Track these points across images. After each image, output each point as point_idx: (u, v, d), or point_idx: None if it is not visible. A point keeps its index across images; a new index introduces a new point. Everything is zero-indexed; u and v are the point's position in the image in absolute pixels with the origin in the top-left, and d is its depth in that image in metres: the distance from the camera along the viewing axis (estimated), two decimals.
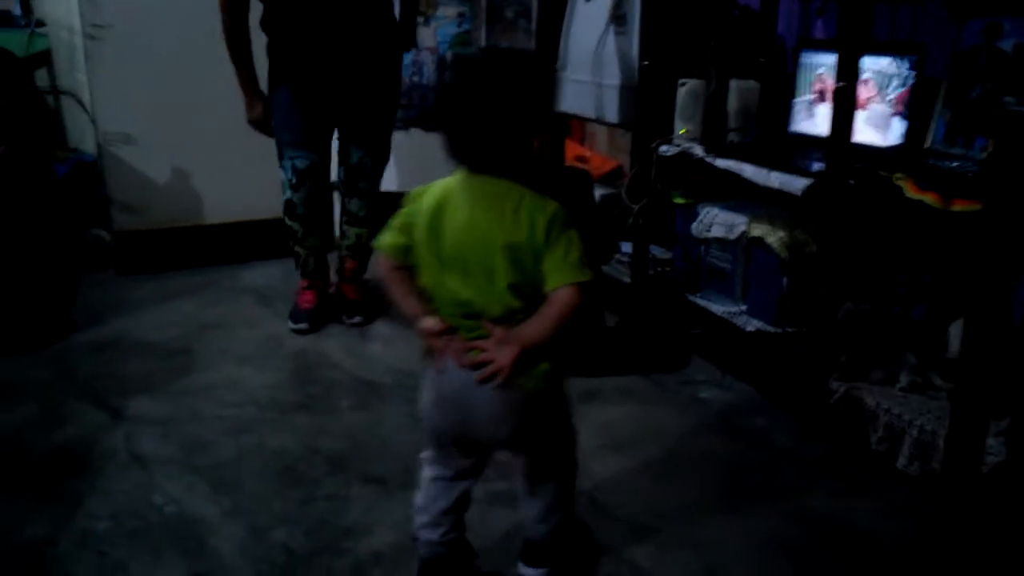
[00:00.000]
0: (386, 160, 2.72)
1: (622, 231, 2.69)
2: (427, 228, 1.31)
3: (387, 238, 1.37)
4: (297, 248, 2.70)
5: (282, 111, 2.55)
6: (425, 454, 1.46)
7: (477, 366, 1.29)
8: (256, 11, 2.50)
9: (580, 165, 3.14)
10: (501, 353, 1.28)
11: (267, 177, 2.93)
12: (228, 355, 2.46)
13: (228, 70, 2.53)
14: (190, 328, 2.64)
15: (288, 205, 2.63)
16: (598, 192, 2.75)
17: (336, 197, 2.89)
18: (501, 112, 1.26)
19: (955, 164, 1.90)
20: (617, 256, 2.85)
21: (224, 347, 2.51)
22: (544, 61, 1.24)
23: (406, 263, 1.36)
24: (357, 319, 2.73)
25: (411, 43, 2.73)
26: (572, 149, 3.21)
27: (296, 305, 2.73)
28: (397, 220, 1.37)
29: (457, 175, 1.33)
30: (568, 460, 1.48)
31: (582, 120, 3.03)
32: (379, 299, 2.86)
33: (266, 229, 3.12)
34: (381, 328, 2.70)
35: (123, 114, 2.97)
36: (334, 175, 2.76)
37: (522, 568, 1.52)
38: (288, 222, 2.66)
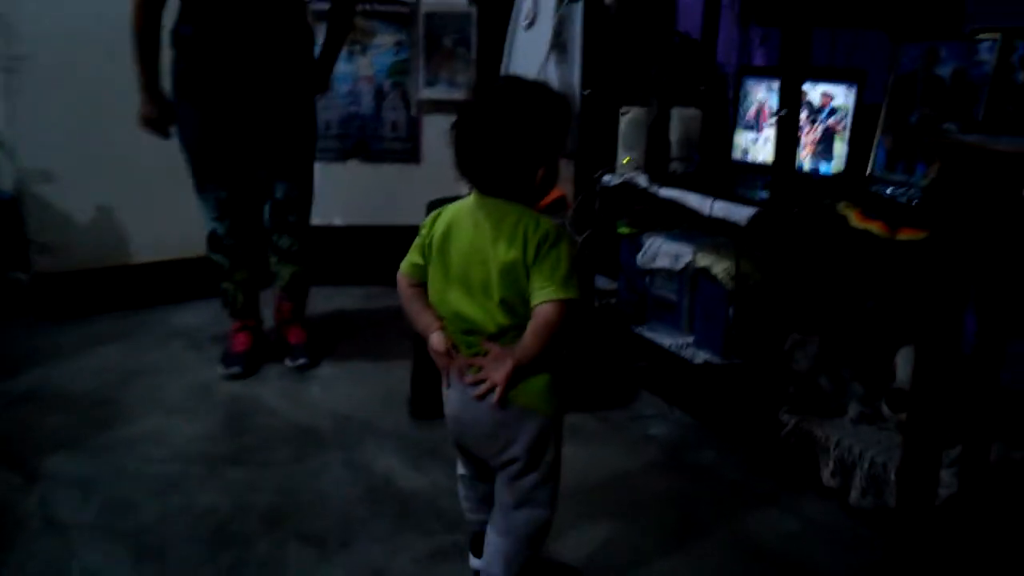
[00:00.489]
0: (311, 193, 2.61)
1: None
2: (438, 247, 1.39)
3: (406, 259, 1.45)
4: (225, 284, 2.58)
5: (192, 137, 2.42)
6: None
7: (476, 383, 1.36)
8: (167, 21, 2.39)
9: None
10: (496, 370, 1.35)
11: (197, 212, 2.82)
12: (155, 405, 2.32)
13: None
14: (114, 376, 2.49)
15: (212, 238, 2.51)
16: None
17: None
18: (511, 138, 1.33)
19: (898, 191, 1.88)
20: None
21: (151, 396, 2.37)
22: (562, 96, 1.32)
23: (422, 281, 1.43)
24: (302, 361, 2.61)
25: (325, 84, 2.63)
26: None
27: (228, 348, 2.60)
28: (416, 241, 1.45)
29: (470, 197, 1.41)
30: (549, 492, 1.44)
31: None
32: (324, 338, 2.77)
33: (198, 267, 2.98)
34: (321, 370, 2.59)
35: (42, 150, 2.82)
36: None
37: None
38: (213, 256, 2.54)
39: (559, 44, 2.48)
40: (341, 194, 3.16)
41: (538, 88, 1.40)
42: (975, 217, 1.41)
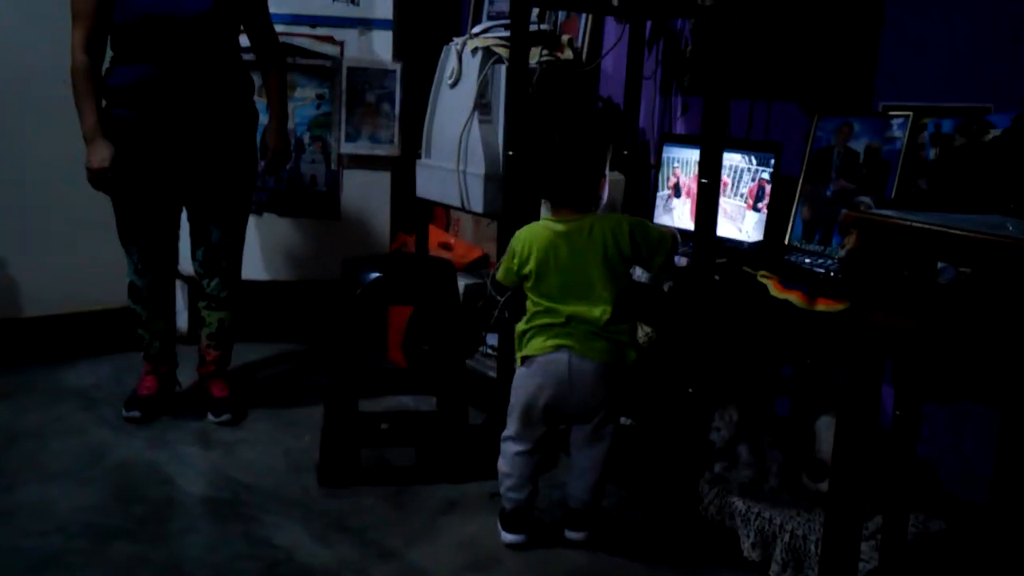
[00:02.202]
0: (243, 238, 2.57)
1: (487, 322, 2.58)
2: (537, 270, 1.85)
3: (506, 278, 1.95)
4: (141, 331, 2.51)
5: (123, 187, 2.35)
6: (507, 433, 1.93)
7: (585, 350, 1.82)
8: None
9: (444, 253, 3.03)
10: None
11: (96, 263, 2.70)
12: (37, 471, 2.13)
13: (50, 144, 2.29)
14: None
15: (132, 288, 2.47)
16: (462, 282, 2.64)
17: (179, 286, 2.67)
18: (591, 162, 1.86)
19: (815, 260, 1.90)
20: (482, 349, 2.74)
21: (33, 461, 2.18)
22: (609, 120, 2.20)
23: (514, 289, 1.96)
24: (226, 416, 2.51)
25: (286, 155, 2.62)
26: (436, 236, 3.10)
27: (133, 391, 2.52)
28: (505, 265, 1.92)
29: (545, 220, 1.90)
30: (615, 426, 1.92)
31: (447, 206, 2.93)
32: (248, 393, 2.63)
33: (95, 321, 2.83)
34: (223, 432, 2.44)
35: None
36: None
37: (569, 533, 1.95)
38: (132, 305, 2.49)
39: (483, 104, 2.47)
40: (256, 248, 3.04)
41: (594, 118, 2.06)
42: (891, 290, 1.43)
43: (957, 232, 1.21)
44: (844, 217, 1.75)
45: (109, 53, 2.37)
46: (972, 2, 1.88)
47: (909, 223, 1.33)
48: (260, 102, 2.58)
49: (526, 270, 1.87)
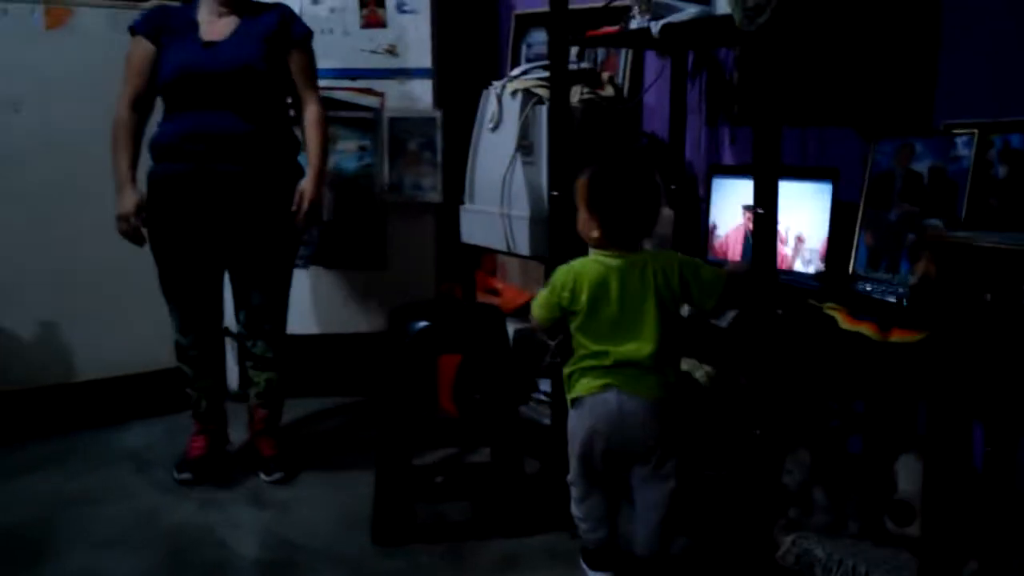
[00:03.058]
0: (287, 300, 2.55)
1: (539, 368, 2.51)
2: (586, 307, 1.78)
3: (542, 313, 1.86)
4: (188, 390, 2.51)
5: (165, 249, 2.38)
6: (571, 479, 1.89)
7: (633, 389, 1.76)
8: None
9: (491, 298, 2.98)
10: None
11: (146, 324, 2.71)
12: (88, 539, 2.10)
13: (99, 204, 2.31)
14: (43, 508, 2.26)
15: (178, 347, 2.48)
16: (511, 327, 2.58)
17: (229, 343, 2.66)
18: (649, 203, 1.83)
19: (883, 288, 1.80)
20: (535, 395, 2.66)
21: (84, 528, 2.15)
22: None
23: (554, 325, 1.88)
24: (278, 475, 2.48)
25: (317, 215, 2.56)
26: (483, 281, 3.05)
27: (184, 453, 2.50)
28: (545, 298, 1.85)
29: (595, 255, 1.82)
30: (675, 464, 1.82)
31: (493, 251, 2.89)
32: (299, 450, 2.59)
33: (147, 383, 2.83)
34: (276, 492, 2.39)
35: None
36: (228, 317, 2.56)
37: None
38: (179, 363, 2.50)
39: (525, 145, 2.43)
40: (303, 301, 3.03)
41: (644, 160, 2.00)
42: (975, 318, 1.33)
43: None
44: (925, 238, 1.66)
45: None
46: None
47: (993, 244, 1.24)
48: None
49: (576, 306, 1.80)
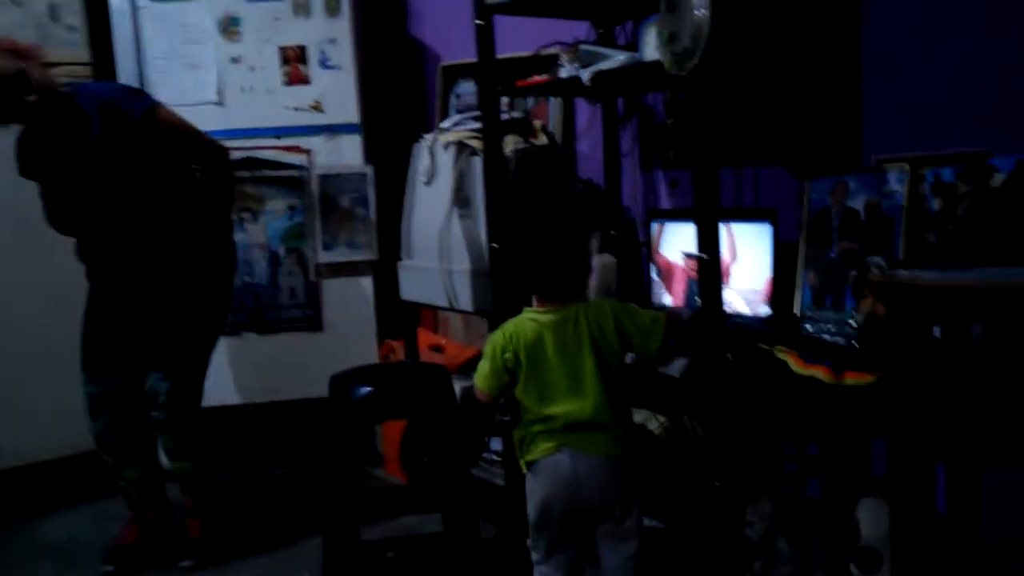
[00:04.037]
0: (194, 384, 2.37)
1: (489, 427, 2.43)
2: (527, 365, 1.71)
3: (490, 383, 1.76)
4: (118, 481, 2.37)
5: (86, 322, 2.31)
6: (531, 542, 1.79)
7: (586, 447, 1.69)
8: None
9: (434, 356, 2.89)
10: None
11: (69, 405, 2.53)
12: None
13: (11, 283, 2.16)
14: None
15: (93, 435, 2.34)
16: (457, 385, 2.50)
17: None
18: (573, 254, 1.75)
19: (829, 329, 1.78)
20: (486, 455, 2.57)
21: None
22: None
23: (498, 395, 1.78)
24: (186, 563, 2.31)
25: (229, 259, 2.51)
26: (425, 339, 2.97)
27: (114, 540, 2.36)
28: (490, 366, 1.75)
29: (528, 313, 1.75)
30: (638, 522, 1.75)
31: (434, 307, 2.81)
32: (222, 536, 2.44)
33: (70, 468, 2.65)
34: None
35: None
36: None
37: None
38: (101, 452, 2.35)
39: (461, 198, 2.38)
40: (237, 370, 2.90)
41: (570, 206, 1.97)
42: (926, 356, 1.31)
43: (1005, 287, 1.09)
44: (868, 279, 1.65)
45: None
46: (954, 43, 1.82)
47: (938, 283, 1.22)
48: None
49: (515, 366, 1.73)
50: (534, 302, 1.79)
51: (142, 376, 2.33)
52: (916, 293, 1.29)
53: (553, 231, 1.74)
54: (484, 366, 1.77)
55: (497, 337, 1.76)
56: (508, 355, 1.72)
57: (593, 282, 1.84)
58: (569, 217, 1.78)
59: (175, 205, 2.34)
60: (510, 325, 1.77)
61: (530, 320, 1.74)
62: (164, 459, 2.40)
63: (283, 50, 2.90)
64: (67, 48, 2.79)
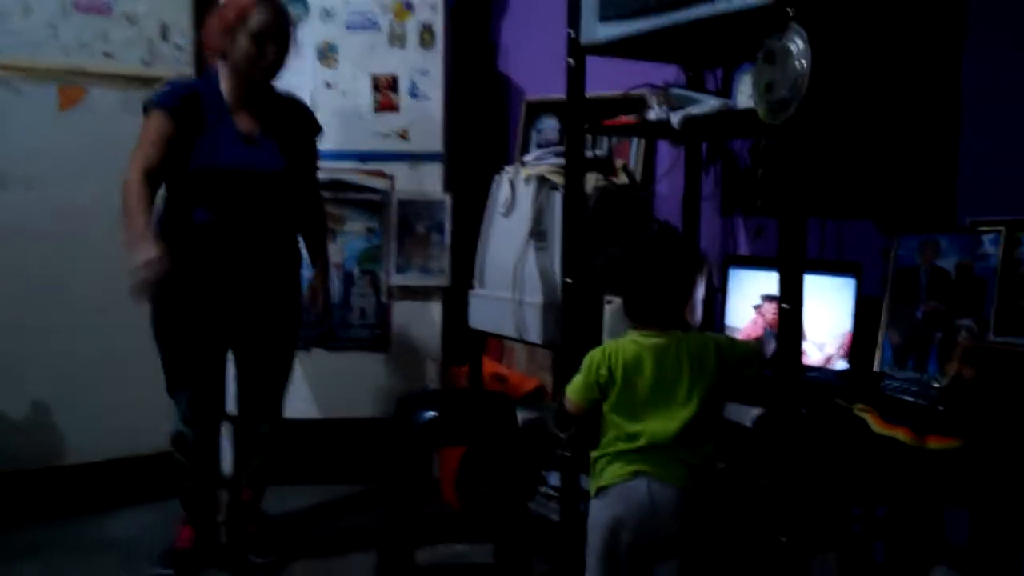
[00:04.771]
0: (289, 383, 2.50)
1: (548, 460, 2.42)
2: (621, 385, 1.75)
3: (580, 395, 1.81)
4: (185, 482, 2.40)
5: (172, 333, 2.30)
6: None
7: (665, 476, 1.70)
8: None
9: (497, 385, 2.90)
10: None
11: (139, 406, 2.62)
12: None
13: (92, 287, 2.24)
14: None
15: (179, 439, 2.36)
16: (520, 416, 2.50)
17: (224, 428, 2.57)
18: (676, 280, 1.80)
19: (910, 389, 1.73)
20: (543, 489, 2.56)
21: None
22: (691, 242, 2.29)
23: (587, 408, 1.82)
24: (271, 557, 2.40)
25: (328, 315, 2.69)
26: (489, 367, 2.98)
27: (170, 544, 2.39)
28: (583, 378, 1.80)
29: (631, 335, 1.80)
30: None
31: (500, 336, 2.83)
32: (294, 541, 2.50)
33: (141, 467, 2.72)
34: None
35: None
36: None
37: None
38: (177, 455, 2.38)
39: (538, 232, 2.40)
40: (304, 384, 2.95)
41: (678, 237, 2.01)
42: (1016, 425, 1.26)
43: None
44: (961, 343, 1.61)
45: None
46: None
47: None
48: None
49: (612, 384, 1.77)
50: (627, 334, 1.83)
51: (224, 381, 2.43)
52: (1010, 360, 1.25)
53: (661, 255, 1.79)
54: (578, 379, 1.82)
55: (596, 353, 1.81)
56: (603, 371, 1.76)
57: (697, 317, 1.84)
58: (679, 245, 1.85)
59: (288, 225, 2.45)
60: (611, 344, 1.82)
61: (632, 342, 1.78)
62: (247, 452, 2.47)
63: (375, 78, 2.99)
64: (174, 66, 2.91)
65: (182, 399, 2.34)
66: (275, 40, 2.26)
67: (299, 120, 2.46)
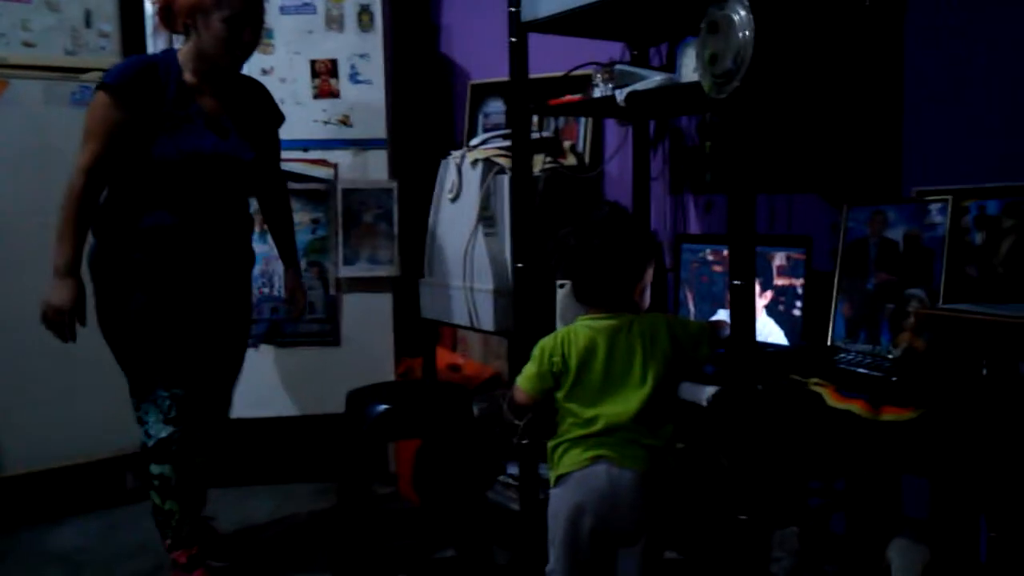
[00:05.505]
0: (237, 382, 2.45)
1: (506, 450, 2.38)
2: (575, 370, 1.71)
3: (532, 385, 1.76)
4: (168, 504, 2.15)
5: (150, 330, 2.12)
6: (551, 566, 1.72)
7: (623, 460, 1.67)
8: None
9: (452, 375, 2.85)
10: None
11: (81, 412, 2.50)
12: None
13: (31, 284, 2.12)
14: None
15: (160, 446, 2.13)
16: (476, 406, 2.46)
17: None
18: (627, 262, 1.75)
19: (864, 361, 1.73)
20: (502, 479, 2.52)
21: None
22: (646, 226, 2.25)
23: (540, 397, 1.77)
24: (225, 563, 2.29)
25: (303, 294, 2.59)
26: (443, 358, 2.93)
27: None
28: (535, 367, 1.75)
29: (583, 320, 1.77)
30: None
31: (453, 326, 2.78)
32: (244, 545, 2.41)
33: (84, 475, 2.62)
34: None
35: None
36: None
37: None
38: (156, 468, 2.15)
39: (487, 217, 2.35)
40: (255, 383, 2.86)
41: (629, 218, 1.88)
42: (972, 393, 1.25)
43: None
44: (904, 314, 1.61)
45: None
46: (1001, 73, 1.78)
47: (992, 317, 1.17)
48: None
49: (566, 372, 1.73)
50: (577, 319, 1.80)
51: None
52: (965, 327, 1.24)
53: (611, 237, 1.74)
54: (530, 368, 1.77)
55: (547, 341, 1.77)
56: (556, 359, 1.73)
57: (646, 299, 1.81)
58: (629, 226, 1.78)
59: (247, 220, 2.36)
60: (562, 331, 1.78)
61: (584, 327, 1.75)
62: None
63: (314, 63, 2.90)
64: (99, 54, 2.79)
65: (164, 399, 2.13)
66: (251, 23, 2.12)
67: (262, 106, 2.34)
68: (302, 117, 2.90)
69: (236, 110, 2.22)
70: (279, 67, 2.88)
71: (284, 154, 2.78)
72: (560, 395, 1.74)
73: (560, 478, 1.73)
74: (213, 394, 2.32)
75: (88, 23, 2.76)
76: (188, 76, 2.13)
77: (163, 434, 2.13)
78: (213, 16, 2.06)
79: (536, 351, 1.78)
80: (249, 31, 2.12)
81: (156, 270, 2.12)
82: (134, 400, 2.15)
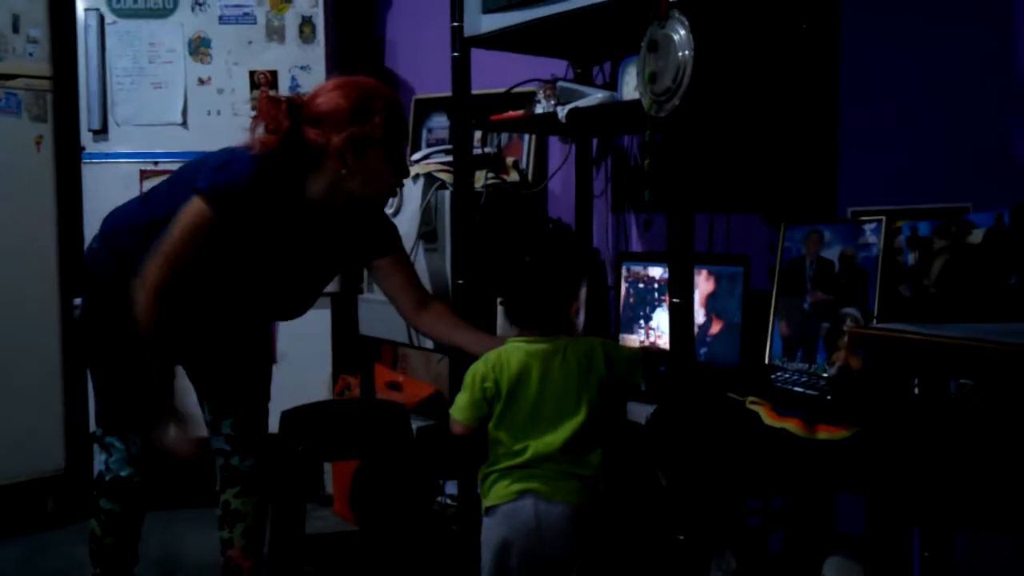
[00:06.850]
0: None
1: (446, 468, 2.34)
2: (507, 395, 1.67)
3: (468, 414, 1.70)
4: (108, 540, 2.06)
5: (123, 371, 1.97)
6: None
7: (552, 493, 1.63)
8: None
9: (392, 393, 2.80)
10: None
11: (2, 434, 2.39)
12: None
13: None
14: None
15: (118, 484, 2.04)
16: (415, 424, 2.41)
17: None
18: (559, 281, 1.73)
19: (801, 380, 1.74)
20: (441, 499, 2.47)
21: None
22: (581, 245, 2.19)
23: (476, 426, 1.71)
24: None
25: None
26: (383, 375, 2.88)
27: None
28: (468, 397, 1.70)
29: (515, 342, 1.71)
30: None
31: (393, 343, 2.73)
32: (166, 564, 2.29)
33: (2, 499, 2.49)
34: None
35: None
36: None
37: None
38: (107, 504, 2.05)
39: (427, 232, 2.32)
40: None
41: (562, 244, 1.91)
42: (905, 412, 1.27)
43: (994, 346, 1.05)
44: (839, 333, 1.62)
45: None
46: (933, 98, 1.82)
47: (925, 337, 1.18)
48: None
49: (498, 398, 1.68)
50: (508, 341, 1.75)
51: None
52: (898, 347, 1.25)
53: (543, 256, 1.72)
54: (462, 397, 1.72)
55: (479, 366, 1.71)
56: (489, 384, 1.68)
57: (580, 320, 1.78)
58: (562, 245, 1.80)
59: None
60: (493, 354, 1.72)
61: (516, 349, 1.70)
62: (233, 502, 2.14)
63: (253, 74, 2.84)
64: (27, 61, 2.69)
65: (133, 439, 2.02)
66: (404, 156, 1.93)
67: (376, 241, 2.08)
68: (240, 128, 2.82)
69: (342, 238, 2.02)
70: (216, 77, 2.82)
71: None
72: (490, 425, 1.70)
73: (489, 509, 1.70)
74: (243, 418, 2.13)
75: (16, 28, 2.66)
76: (314, 197, 1.90)
77: (123, 473, 2.04)
78: (374, 148, 1.83)
79: (468, 378, 1.72)
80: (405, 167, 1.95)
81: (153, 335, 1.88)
82: (100, 428, 2.04)
